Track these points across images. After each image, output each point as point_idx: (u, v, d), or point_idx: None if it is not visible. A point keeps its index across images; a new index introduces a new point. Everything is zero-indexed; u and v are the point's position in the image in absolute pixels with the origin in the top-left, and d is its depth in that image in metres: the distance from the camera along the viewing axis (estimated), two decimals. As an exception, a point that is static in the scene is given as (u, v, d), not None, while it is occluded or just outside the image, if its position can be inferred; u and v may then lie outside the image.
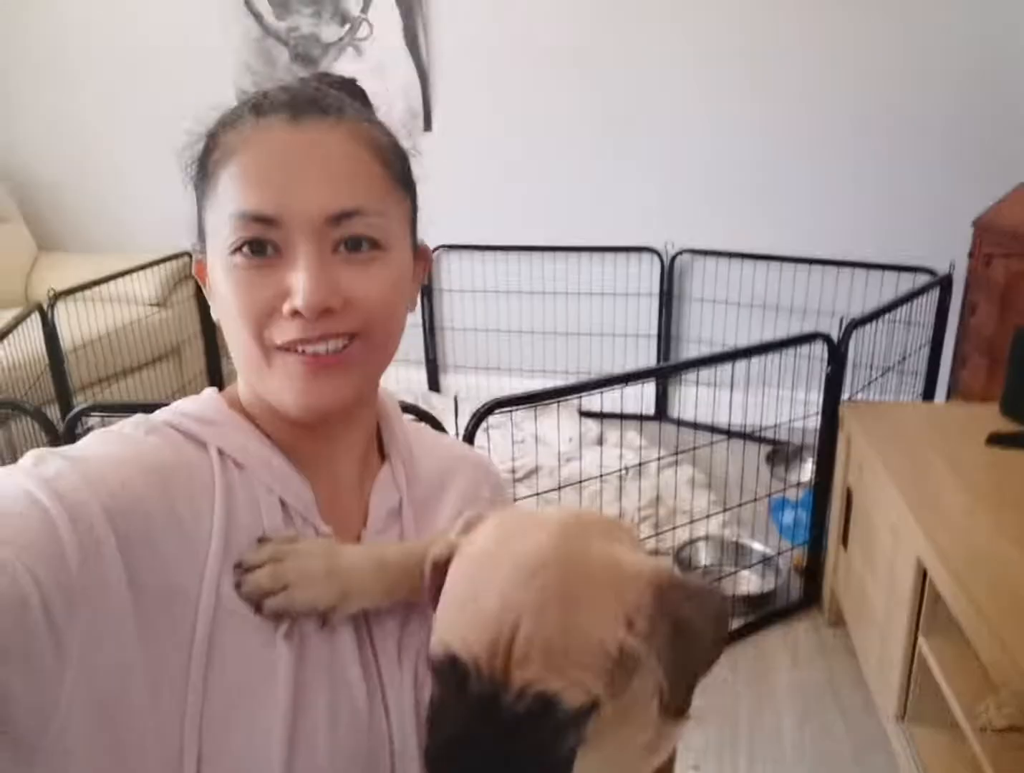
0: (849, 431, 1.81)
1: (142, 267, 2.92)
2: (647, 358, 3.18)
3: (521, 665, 0.44)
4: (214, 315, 0.62)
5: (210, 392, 0.64)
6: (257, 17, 3.05)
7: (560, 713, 0.44)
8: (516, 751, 0.45)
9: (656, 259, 3.03)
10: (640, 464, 2.32)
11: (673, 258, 3.02)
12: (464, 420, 1.44)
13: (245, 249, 0.55)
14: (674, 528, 2.12)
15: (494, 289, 3.22)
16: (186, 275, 3.16)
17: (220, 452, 0.58)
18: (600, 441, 2.88)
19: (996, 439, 1.58)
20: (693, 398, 2.96)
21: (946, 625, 1.34)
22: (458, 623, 0.47)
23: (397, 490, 0.67)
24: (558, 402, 1.61)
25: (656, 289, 3.07)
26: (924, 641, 1.38)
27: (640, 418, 3.00)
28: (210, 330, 3.27)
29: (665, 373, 2.89)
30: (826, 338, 1.78)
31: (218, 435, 0.59)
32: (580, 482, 1.79)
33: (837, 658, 1.85)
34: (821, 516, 1.99)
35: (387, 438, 0.70)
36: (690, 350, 3.15)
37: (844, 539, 1.85)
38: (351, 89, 0.65)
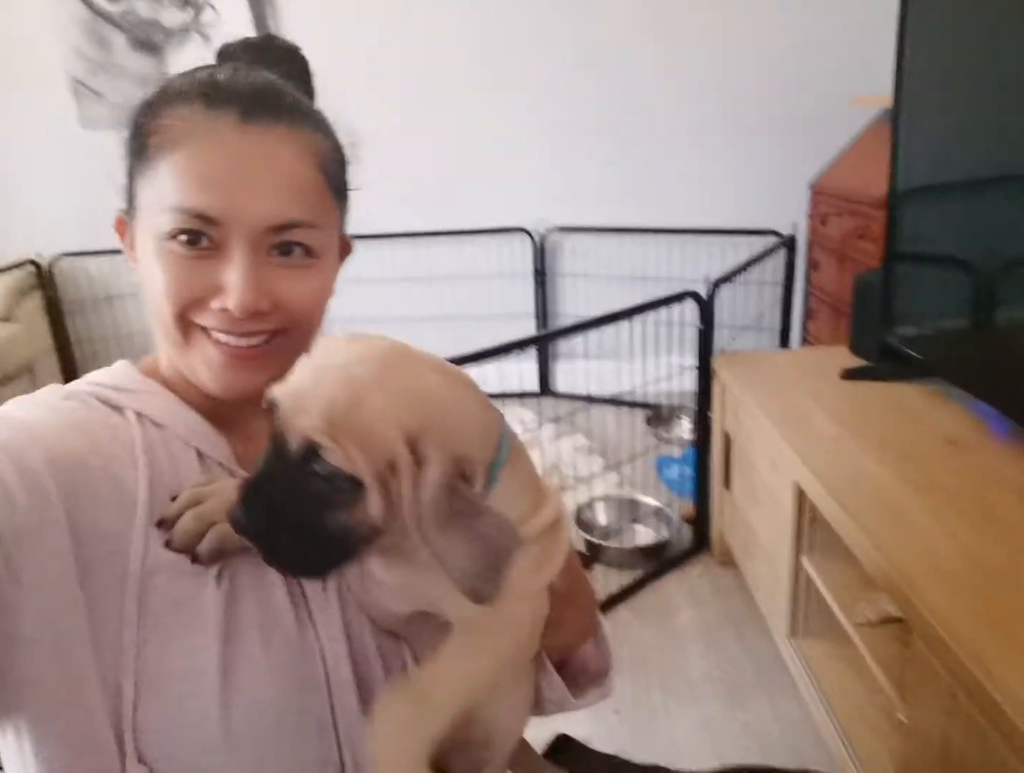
0: (723, 380, 1.95)
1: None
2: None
3: (301, 416, 0.49)
4: (136, 277, 0.62)
5: (121, 363, 0.66)
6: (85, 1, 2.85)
7: (325, 466, 0.49)
8: (297, 494, 0.50)
9: (528, 239, 3.11)
10: (531, 437, 2.40)
11: (544, 237, 3.11)
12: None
13: (182, 238, 0.56)
14: (574, 490, 2.21)
15: (368, 278, 3.18)
16: (32, 286, 2.93)
17: (137, 414, 0.60)
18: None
19: (849, 374, 1.75)
20: (573, 371, 3.07)
21: (822, 543, 1.49)
22: (281, 386, 0.52)
23: None
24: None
25: (530, 268, 3.15)
26: (806, 559, 1.52)
27: (522, 395, 3.08)
28: (65, 345, 3.04)
29: (544, 341, 2.93)
30: (695, 296, 1.91)
31: (134, 399, 0.61)
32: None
33: (730, 595, 2.00)
34: (704, 465, 2.12)
35: None
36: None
37: (727, 482, 1.99)
38: (294, 58, 0.67)
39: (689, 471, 2.44)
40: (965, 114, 1.47)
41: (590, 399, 3.07)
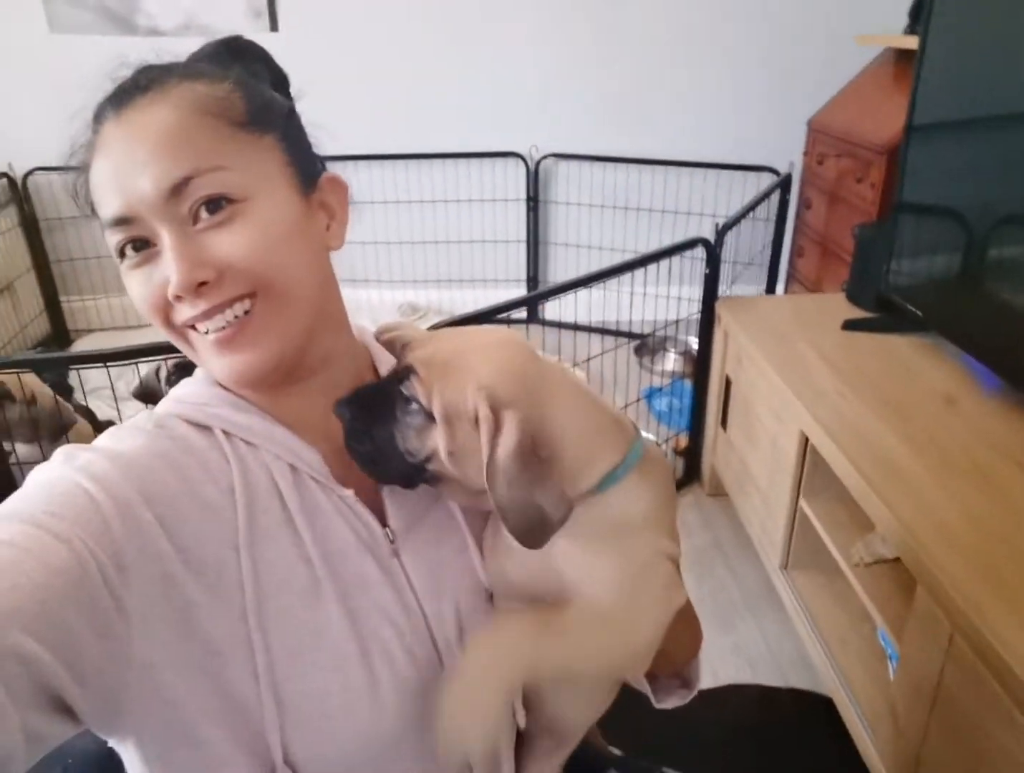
0: (726, 326, 2.01)
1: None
2: (517, 263, 3.27)
3: (418, 350, 0.59)
4: None
5: (200, 373, 0.65)
6: None
7: (410, 391, 0.57)
8: (383, 407, 0.59)
9: (521, 164, 3.07)
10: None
11: (538, 163, 3.07)
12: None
13: (128, 251, 0.57)
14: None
15: (359, 200, 3.12)
16: (7, 200, 2.79)
17: (225, 433, 0.60)
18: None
19: (850, 325, 1.84)
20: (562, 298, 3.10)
21: (822, 488, 1.60)
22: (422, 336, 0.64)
23: None
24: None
25: (523, 194, 3.12)
26: (804, 501, 1.64)
27: (510, 322, 3.09)
28: (44, 264, 2.94)
29: (534, 301, 2.87)
30: (705, 243, 1.95)
31: (219, 418, 0.61)
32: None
33: (719, 524, 2.14)
34: (701, 403, 2.22)
35: None
36: (558, 253, 3.27)
37: (723, 422, 2.10)
38: (264, 58, 0.65)
39: (677, 403, 2.54)
40: (985, 68, 1.50)
41: (576, 327, 3.13)
